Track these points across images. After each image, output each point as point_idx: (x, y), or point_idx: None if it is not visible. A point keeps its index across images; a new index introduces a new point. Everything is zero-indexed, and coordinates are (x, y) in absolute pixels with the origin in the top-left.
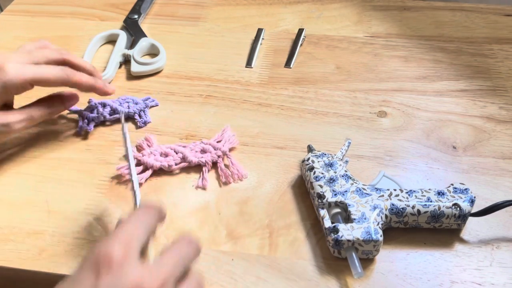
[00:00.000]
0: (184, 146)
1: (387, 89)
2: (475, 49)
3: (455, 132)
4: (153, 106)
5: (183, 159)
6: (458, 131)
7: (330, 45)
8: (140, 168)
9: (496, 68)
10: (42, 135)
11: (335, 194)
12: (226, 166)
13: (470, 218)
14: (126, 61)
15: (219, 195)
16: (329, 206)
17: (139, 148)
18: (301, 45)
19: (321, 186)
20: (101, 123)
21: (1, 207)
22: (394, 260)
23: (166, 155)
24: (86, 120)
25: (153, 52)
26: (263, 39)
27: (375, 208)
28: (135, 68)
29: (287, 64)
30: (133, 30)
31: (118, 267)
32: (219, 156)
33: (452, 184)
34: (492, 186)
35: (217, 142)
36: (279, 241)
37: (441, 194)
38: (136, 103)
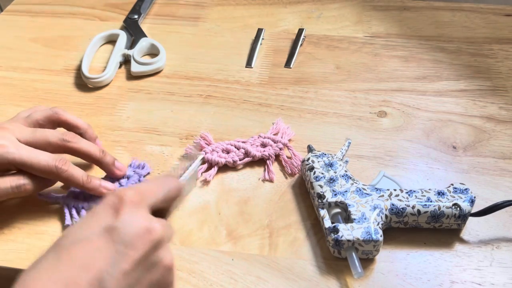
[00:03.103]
0: (243, 142)
1: (387, 89)
2: (475, 49)
3: (455, 132)
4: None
5: (246, 154)
6: (458, 131)
7: (330, 45)
8: (205, 166)
9: (496, 68)
10: None
11: (335, 194)
12: (288, 157)
13: (470, 218)
14: (126, 61)
15: (219, 195)
16: (329, 206)
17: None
18: (301, 45)
19: (321, 186)
20: None
21: (1, 207)
22: (394, 260)
23: (227, 151)
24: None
25: (153, 52)
26: (263, 39)
27: (375, 208)
28: (135, 68)
29: (287, 64)
30: (133, 30)
31: (133, 207)
32: (280, 149)
33: (452, 184)
34: (492, 186)
35: (274, 135)
36: (279, 241)
37: (441, 194)
38: (128, 178)
